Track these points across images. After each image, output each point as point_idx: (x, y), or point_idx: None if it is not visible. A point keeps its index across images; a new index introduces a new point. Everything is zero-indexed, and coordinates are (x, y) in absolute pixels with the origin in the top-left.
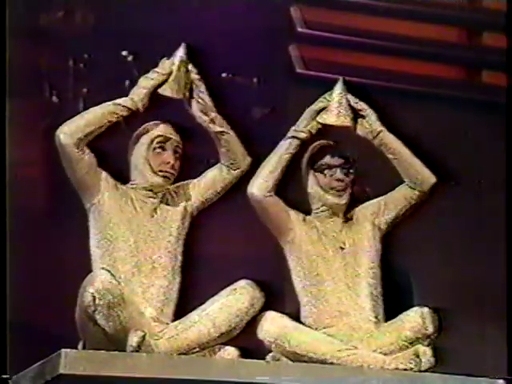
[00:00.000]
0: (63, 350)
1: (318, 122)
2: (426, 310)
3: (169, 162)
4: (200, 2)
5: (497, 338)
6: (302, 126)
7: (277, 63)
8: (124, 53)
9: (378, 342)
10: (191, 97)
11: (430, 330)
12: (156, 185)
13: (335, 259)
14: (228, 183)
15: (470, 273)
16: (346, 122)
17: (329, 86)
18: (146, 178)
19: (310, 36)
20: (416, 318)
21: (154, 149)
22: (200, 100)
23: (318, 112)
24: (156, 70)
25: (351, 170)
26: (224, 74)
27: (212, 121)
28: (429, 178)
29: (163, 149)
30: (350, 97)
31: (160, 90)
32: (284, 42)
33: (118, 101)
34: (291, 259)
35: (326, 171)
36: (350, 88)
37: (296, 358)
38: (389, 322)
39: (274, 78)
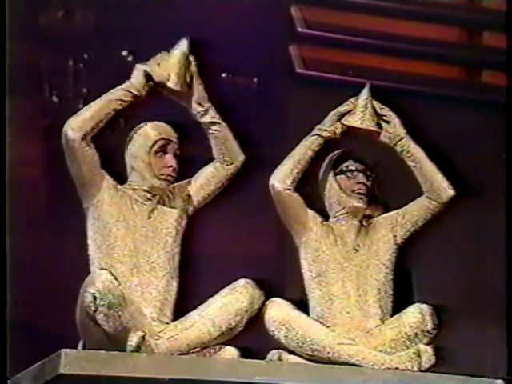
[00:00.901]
0: (63, 350)
1: (343, 124)
2: (425, 306)
3: (171, 166)
4: (200, 2)
5: (497, 338)
6: (327, 126)
7: (277, 63)
8: (124, 53)
9: (378, 340)
10: (190, 88)
11: (429, 326)
12: (156, 187)
13: (348, 262)
14: (224, 180)
15: (470, 273)
16: (371, 126)
17: (329, 86)
18: (147, 181)
19: (311, 36)
20: (415, 315)
21: (156, 152)
22: (196, 91)
23: (344, 114)
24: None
25: (371, 177)
26: (224, 74)
27: (206, 112)
28: (447, 189)
29: (164, 152)
30: (375, 103)
31: (156, 77)
32: (284, 42)
33: (120, 87)
34: (304, 260)
35: (348, 173)
36: (350, 88)
37: (297, 347)
38: (389, 320)
39: (274, 78)
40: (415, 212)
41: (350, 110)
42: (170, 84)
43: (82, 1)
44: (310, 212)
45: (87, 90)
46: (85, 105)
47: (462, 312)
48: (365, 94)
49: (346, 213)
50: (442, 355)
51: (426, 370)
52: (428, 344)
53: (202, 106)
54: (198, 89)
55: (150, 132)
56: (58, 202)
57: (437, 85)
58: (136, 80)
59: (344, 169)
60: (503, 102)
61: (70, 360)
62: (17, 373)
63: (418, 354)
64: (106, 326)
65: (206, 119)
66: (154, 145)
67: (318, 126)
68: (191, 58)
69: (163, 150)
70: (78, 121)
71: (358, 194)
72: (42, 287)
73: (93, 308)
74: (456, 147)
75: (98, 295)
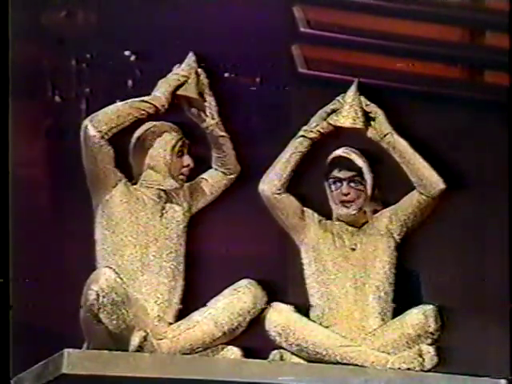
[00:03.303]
0: (66, 349)
1: (329, 124)
2: (428, 307)
3: (188, 165)
4: (203, 1)
5: (499, 338)
6: (313, 126)
7: (279, 63)
8: (126, 53)
9: (381, 340)
10: (204, 99)
11: (433, 327)
12: (172, 188)
13: (346, 261)
14: (223, 187)
15: (473, 273)
16: (356, 124)
17: (331, 86)
18: (164, 180)
19: (313, 36)
20: (418, 316)
21: (178, 153)
22: (207, 104)
23: (330, 113)
24: (176, 72)
25: (362, 182)
26: (227, 74)
27: (217, 125)
28: (437, 183)
29: (183, 153)
30: (362, 99)
31: (178, 92)
32: (286, 42)
33: (145, 98)
34: (305, 259)
35: (332, 185)
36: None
37: (299, 350)
38: (392, 321)
39: (276, 78)
40: (407, 207)
41: (337, 109)
42: (191, 94)
43: (84, 1)
44: (308, 211)
45: (90, 90)
46: (87, 105)
47: (465, 312)
48: (352, 91)
49: (341, 220)
50: (444, 355)
51: (429, 371)
52: (430, 345)
53: (214, 119)
54: (210, 102)
55: (169, 133)
56: (61, 201)
57: (439, 85)
58: (163, 96)
59: (330, 178)
60: (505, 102)
61: (73, 360)
62: (19, 372)
63: (420, 354)
64: (109, 325)
65: (217, 133)
66: (175, 145)
67: (304, 128)
68: (200, 70)
69: (183, 150)
70: (99, 118)
71: (343, 202)
72: (45, 287)
73: (96, 306)
74: (458, 147)
75: (101, 293)
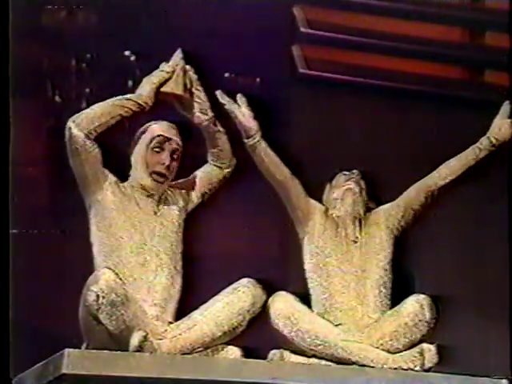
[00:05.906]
0: (66, 349)
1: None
2: (422, 296)
3: (164, 163)
4: (203, 1)
5: (500, 338)
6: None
7: (280, 63)
8: (127, 53)
9: (379, 333)
10: (191, 96)
11: (428, 316)
12: (147, 186)
13: (347, 254)
14: (219, 181)
15: (473, 272)
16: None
17: (331, 86)
18: (140, 178)
19: (313, 36)
20: (414, 305)
21: (153, 148)
22: (198, 99)
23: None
24: (160, 69)
25: (359, 181)
26: (227, 74)
27: (210, 120)
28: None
29: (161, 149)
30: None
31: (163, 88)
32: (287, 42)
33: (128, 96)
34: (306, 251)
35: (334, 182)
36: (353, 87)
37: (300, 340)
38: (388, 312)
39: (276, 78)
40: (411, 200)
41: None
42: (175, 90)
43: (84, 1)
44: (313, 202)
45: (90, 90)
46: (87, 105)
47: (465, 312)
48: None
49: (341, 215)
50: (444, 355)
51: (429, 369)
52: (428, 336)
53: (206, 114)
54: (201, 97)
55: (151, 129)
56: (61, 201)
57: (439, 85)
58: (146, 93)
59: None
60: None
61: (73, 360)
62: (20, 372)
63: (421, 353)
64: (109, 325)
65: (212, 129)
66: (151, 141)
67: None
68: (187, 67)
69: (160, 146)
70: (83, 118)
71: (344, 199)
72: (45, 287)
73: (95, 307)
74: (458, 147)
75: (100, 294)
